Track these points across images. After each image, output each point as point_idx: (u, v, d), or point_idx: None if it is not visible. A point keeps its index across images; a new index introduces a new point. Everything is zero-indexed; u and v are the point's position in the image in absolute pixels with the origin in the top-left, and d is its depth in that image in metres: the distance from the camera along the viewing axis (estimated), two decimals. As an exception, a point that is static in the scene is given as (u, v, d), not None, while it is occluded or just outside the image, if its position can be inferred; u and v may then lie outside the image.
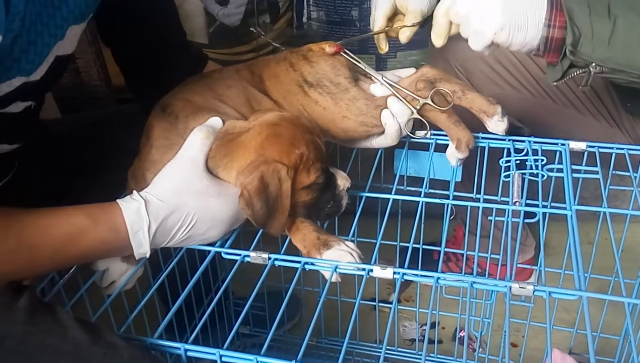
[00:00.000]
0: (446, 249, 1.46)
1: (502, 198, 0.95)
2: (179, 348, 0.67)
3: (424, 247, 1.18)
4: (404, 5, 0.94)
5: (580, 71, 0.83)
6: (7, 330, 0.64)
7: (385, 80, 0.93)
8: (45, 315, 0.66)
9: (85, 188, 0.89)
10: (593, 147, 0.95)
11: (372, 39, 1.00)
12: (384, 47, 1.00)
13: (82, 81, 1.73)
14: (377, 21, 0.96)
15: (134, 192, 0.75)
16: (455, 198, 0.90)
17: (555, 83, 0.86)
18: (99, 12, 0.86)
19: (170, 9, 1.08)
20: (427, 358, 1.24)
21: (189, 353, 0.66)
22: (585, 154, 0.96)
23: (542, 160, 0.92)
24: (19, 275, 0.70)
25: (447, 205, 0.88)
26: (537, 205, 0.86)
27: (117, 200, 0.74)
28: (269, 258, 0.77)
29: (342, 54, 0.94)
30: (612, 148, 0.95)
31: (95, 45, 1.65)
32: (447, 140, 0.96)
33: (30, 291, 0.68)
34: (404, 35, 0.96)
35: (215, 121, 0.80)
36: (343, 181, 0.85)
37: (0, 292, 0.66)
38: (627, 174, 0.91)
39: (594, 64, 0.81)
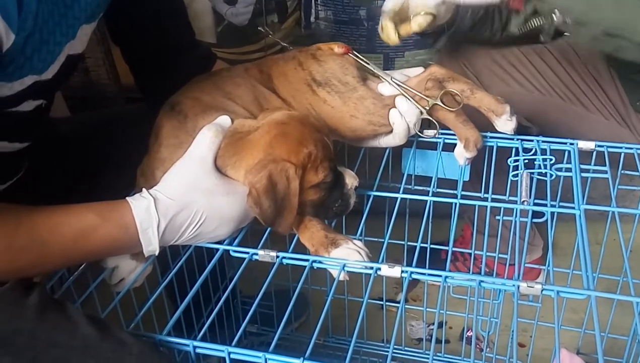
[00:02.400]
0: (454, 248, 1.45)
1: (510, 198, 0.95)
2: (187, 345, 0.67)
3: (432, 246, 1.18)
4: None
5: (542, 21, 0.82)
6: (17, 326, 0.64)
7: (393, 80, 0.93)
8: (55, 311, 0.67)
9: (95, 186, 0.89)
10: (602, 146, 0.95)
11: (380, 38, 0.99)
12: (392, 37, 0.96)
13: (91, 80, 1.74)
14: (387, 9, 0.94)
15: (144, 189, 0.76)
16: (463, 197, 0.90)
17: (516, 32, 0.85)
18: (108, 11, 0.86)
19: (179, 8, 1.08)
20: (434, 357, 1.24)
21: (198, 350, 0.67)
22: (594, 153, 0.95)
23: (551, 159, 0.92)
24: (30, 272, 0.71)
25: (455, 204, 0.88)
26: (545, 205, 0.86)
27: (127, 198, 0.75)
28: (277, 257, 0.78)
29: (351, 55, 0.94)
30: (621, 147, 0.95)
31: (105, 44, 1.65)
32: (455, 139, 0.96)
33: (40, 288, 0.68)
34: (416, 23, 0.93)
35: (224, 120, 0.81)
36: (351, 180, 0.85)
37: (11, 289, 0.67)
38: (636, 173, 0.91)
39: (556, 12, 0.80)
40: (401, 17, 0.96)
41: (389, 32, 0.96)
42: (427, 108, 0.92)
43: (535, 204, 0.86)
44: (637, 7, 0.77)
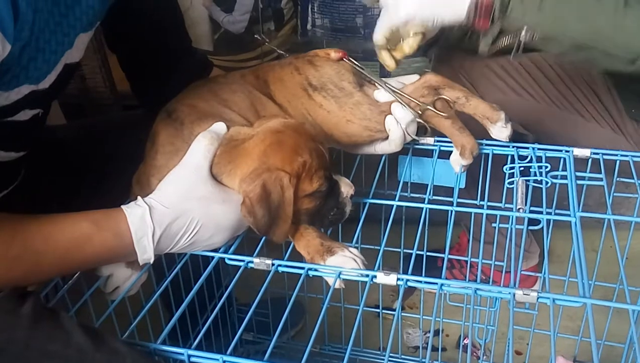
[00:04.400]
0: (450, 256, 1.45)
1: (506, 205, 0.95)
2: (182, 354, 0.66)
3: (428, 253, 1.18)
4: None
5: (510, 39, 0.82)
6: (11, 336, 0.64)
7: (389, 87, 0.93)
8: (49, 320, 0.66)
9: (91, 193, 0.89)
10: (597, 153, 0.95)
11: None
12: (389, 63, 0.99)
13: (87, 87, 1.74)
14: (378, 41, 0.96)
15: (139, 198, 0.76)
16: (459, 205, 0.90)
17: (486, 52, 0.85)
18: (105, 18, 0.86)
19: (175, 16, 1.09)
20: (430, 365, 1.24)
21: (192, 359, 0.66)
22: (590, 160, 0.95)
23: (546, 166, 0.92)
24: (24, 281, 0.71)
25: (451, 211, 0.88)
26: (541, 212, 0.86)
27: (122, 206, 0.75)
28: (273, 265, 0.77)
29: (347, 60, 0.94)
30: (616, 155, 0.95)
31: (101, 51, 1.65)
32: (451, 146, 0.96)
33: (34, 297, 0.68)
34: (407, 45, 0.96)
35: (220, 127, 0.81)
36: (346, 188, 0.85)
37: (5, 298, 0.67)
38: (632, 181, 0.91)
39: (524, 31, 0.80)
40: (394, 42, 0.97)
41: (384, 60, 0.99)
42: (421, 113, 0.92)
43: (531, 211, 0.86)
44: (603, 17, 0.77)
